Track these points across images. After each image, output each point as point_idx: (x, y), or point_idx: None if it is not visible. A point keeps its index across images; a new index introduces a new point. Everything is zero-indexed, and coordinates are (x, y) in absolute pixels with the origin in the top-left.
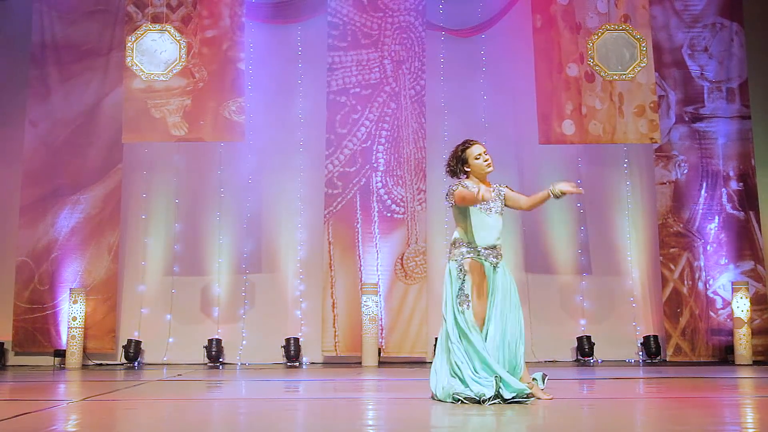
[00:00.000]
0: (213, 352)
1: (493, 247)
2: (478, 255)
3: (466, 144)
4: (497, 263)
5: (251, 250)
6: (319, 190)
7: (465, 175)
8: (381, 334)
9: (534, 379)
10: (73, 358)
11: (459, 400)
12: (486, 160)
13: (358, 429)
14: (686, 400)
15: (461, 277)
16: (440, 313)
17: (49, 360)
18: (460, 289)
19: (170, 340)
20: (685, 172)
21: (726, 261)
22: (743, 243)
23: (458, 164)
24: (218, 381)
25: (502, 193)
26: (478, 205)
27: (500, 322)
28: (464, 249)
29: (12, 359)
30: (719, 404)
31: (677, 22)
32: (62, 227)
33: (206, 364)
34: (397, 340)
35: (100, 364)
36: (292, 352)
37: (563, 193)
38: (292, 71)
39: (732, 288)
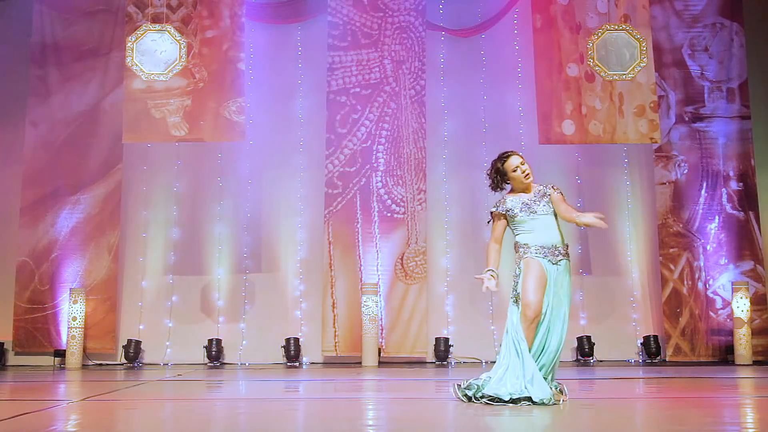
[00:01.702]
0: (213, 352)
1: (551, 247)
2: (536, 253)
3: (504, 157)
4: (558, 261)
5: (251, 250)
6: (319, 190)
7: (508, 187)
8: (381, 334)
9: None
10: (73, 358)
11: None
12: (524, 172)
13: (358, 429)
14: (686, 400)
15: (516, 276)
16: (440, 313)
17: (49, 360)
18: (514, 287)
19: (170, 340)
20: (685, 172)
21: (726, 261)
22: (743, 243)
23: (499, 178)
24: (218, 381)
25: (547, 193)
26: (520, 213)
27: (546, 323)
28: (521, 251)
29: (12, 359)
30: (719, 404)
31: (677, 22)
32: (62, 227)
33: (206, 364)
34: (397, 340)
35: (100, 364)
36: (292, 352)
37: (587, 225)
38: (292, 71)
39: (732, 288)
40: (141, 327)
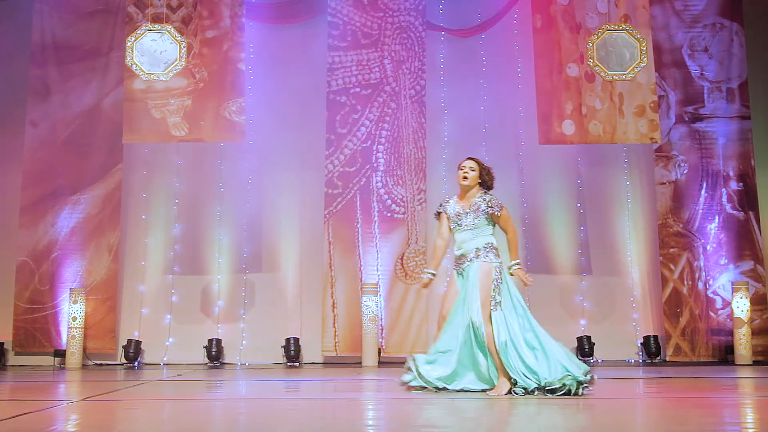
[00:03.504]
0: (213, 352)
1: (460, 256)
2: (453, 266)
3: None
4: (462, 269)
5: (251, 250)
6: (319, 190)
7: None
8: (381, 334)
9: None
10: (73, 358)
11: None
12: (464, 173)
13: (358, 429)
14: (686, 400)
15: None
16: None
17: (49, 360)
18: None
19: (170, 340)
20: (685, 172)
21: (726, 261)
22: (743, 243)
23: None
24: (218, 381)
25: (483, 209)
26: (451, 222)
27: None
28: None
29: (12, 359)
30: (719, 404)
31: (677, 22)
32: (62, 227)
33: (206, 364)
34: (397, 340)
35: (100, 364)
36: (292, 352)
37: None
38: (292, 71)
39: (732, 288)
40: (141, 327)
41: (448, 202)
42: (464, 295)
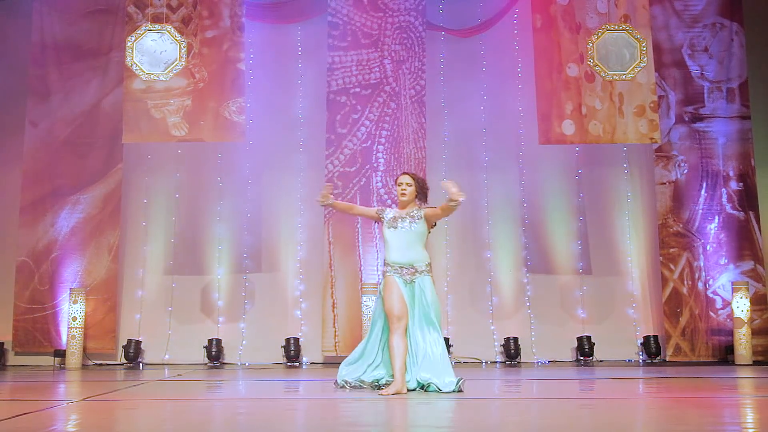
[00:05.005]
0: (213, 352)
1: (408, 266)
2: (392, 272)
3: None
4: (412, 280)
5: (251, 250)
6: (319, 190)
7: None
8: None
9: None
10: (73, 358)
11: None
12: (402, 189)
13: (357, 429)
14: (686, 400)
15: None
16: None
17: (49, 360)
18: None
19: (170, 340)
20: (685, 172)
21: (726, 261)
22: (743, 243)
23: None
24: (218, 381)
25: (418, 215)
26: (386, 225)
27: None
28: (384, 268)
29: (12, 359)
30: (719, 404)
31: (677, 22)
32: (62, 227)
33: (206, 364)
34: None
35: (100, 364)
36: (292, 352)
37: (456, 200)
38: (292, 71)
39: (732, 288)
40: (141, 327)
41: (385, 210)
42: (421, 312)
